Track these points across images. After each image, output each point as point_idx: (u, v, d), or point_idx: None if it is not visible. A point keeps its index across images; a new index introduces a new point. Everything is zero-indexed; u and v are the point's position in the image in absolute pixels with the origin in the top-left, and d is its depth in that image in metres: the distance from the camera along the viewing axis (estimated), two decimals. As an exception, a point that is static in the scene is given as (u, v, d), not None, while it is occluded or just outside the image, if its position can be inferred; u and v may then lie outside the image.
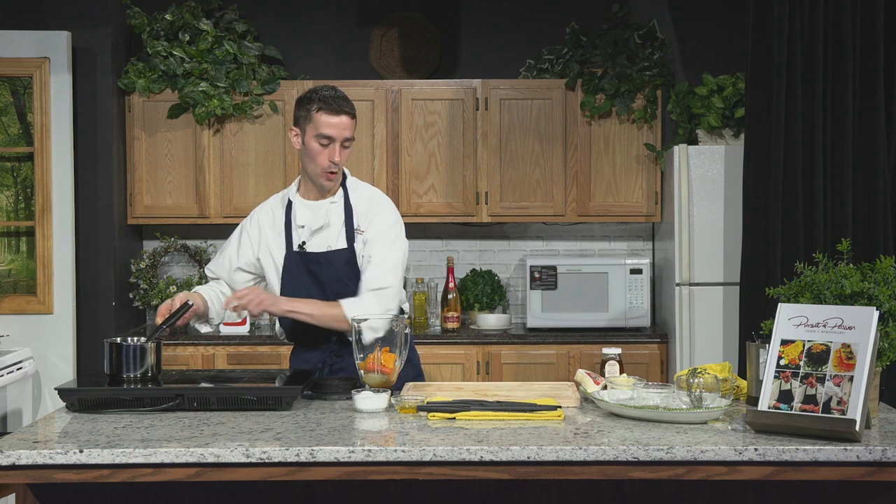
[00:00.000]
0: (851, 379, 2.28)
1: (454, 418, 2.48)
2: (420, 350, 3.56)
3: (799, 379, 2.34)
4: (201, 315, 3.08)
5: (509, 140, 5.08)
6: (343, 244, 3.04)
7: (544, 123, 5.08)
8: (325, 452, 2.19)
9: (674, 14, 5.35)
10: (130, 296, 5.20)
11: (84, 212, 4.88)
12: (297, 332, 3.08)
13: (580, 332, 4.93)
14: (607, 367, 2.83)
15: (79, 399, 2.60)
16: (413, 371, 3.12)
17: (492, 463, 2.21)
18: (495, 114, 5.08)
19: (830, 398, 2.28)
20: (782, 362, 2.37)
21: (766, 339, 2.59)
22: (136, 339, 2.75)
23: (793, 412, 2.30)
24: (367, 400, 2.58)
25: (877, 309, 2.37)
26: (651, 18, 5.22)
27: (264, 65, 5.17)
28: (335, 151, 2.98)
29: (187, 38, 5.02)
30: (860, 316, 2.33)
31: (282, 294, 3.04)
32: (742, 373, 3.72)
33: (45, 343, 4.77)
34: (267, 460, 2.19)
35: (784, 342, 2.40)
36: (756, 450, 2.20)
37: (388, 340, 2.73)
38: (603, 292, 4.97)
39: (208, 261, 5.20)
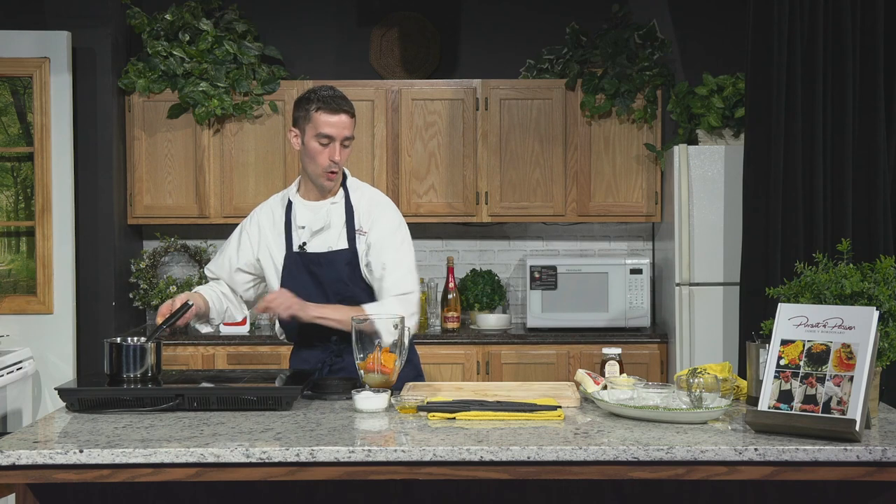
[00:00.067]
0: (851, 379, 2.28)
1: (454, 418, 2.48)
2: (420, 350, 3.56)
3: (799, 379, 2.34)
4: (202, 315, 3.08)
5: (509, 140, 5.08)
6: (344, 244, 3.04)
7: (544, 123, 5.08)
8: (325, 452, 2.19)
9: (674, 14, 5.34)
10: (130, 296, 5.20)
11: (84, 212, 4.88)
12: (297, 331, 3.08)
13: (580, 332, 4.93)
14: (607, 367, 2.83)
15: (79, 399, 2.59)
16: (413, 371, 3.12)
17: (492, 463, 2.21)
18: (495, 114, 5.07)
19: (830, 398, 2.28)
20: (782, 362, 2.37)
21: (766, 339, 2.59)
22: (136, 339, 2.75)
23: (793, 412, 2.30)
24: (367, 400, 2.58)
25: (877, 309, 2.37)
26: (651, 18, 5.22)
27: (264, 65, 5.17)
28: (335, 151, 2.98)
29: (187, 38, 5.02)
30: (860, 316, 2.33)
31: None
32: (742, 373, 3.71)
33: (45, 343, 4.76)
34: (267, 460, 2.19)
35: (784, 342, 2.39)
36: (756, 450, 2.19)
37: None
38: (603, 292, 4.97)
39: (208, 261, 5.19)
